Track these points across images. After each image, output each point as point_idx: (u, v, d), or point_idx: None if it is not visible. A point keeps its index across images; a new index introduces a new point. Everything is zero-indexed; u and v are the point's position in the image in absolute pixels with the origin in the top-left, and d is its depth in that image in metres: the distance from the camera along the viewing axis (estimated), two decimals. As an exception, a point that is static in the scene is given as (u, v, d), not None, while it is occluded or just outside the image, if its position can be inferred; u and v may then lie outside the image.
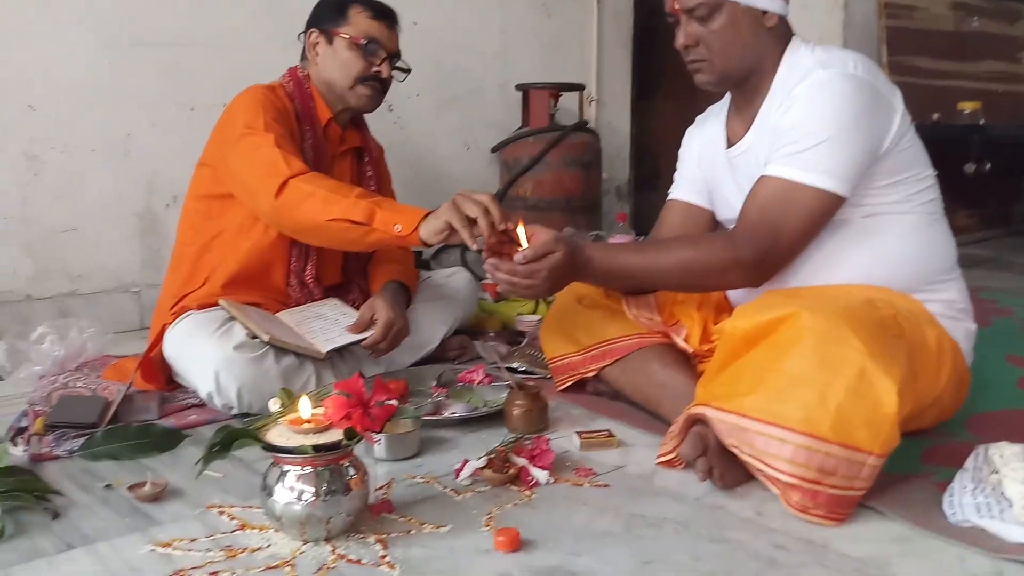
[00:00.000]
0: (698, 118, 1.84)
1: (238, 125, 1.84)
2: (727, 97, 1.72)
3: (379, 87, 1.99)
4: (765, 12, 1.54)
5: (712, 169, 1.73)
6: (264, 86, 1.95)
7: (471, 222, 1.55)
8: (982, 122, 4.02)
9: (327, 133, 2.01)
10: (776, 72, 1.57)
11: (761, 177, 1.50)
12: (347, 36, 1.94)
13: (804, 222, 1.46)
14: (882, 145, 1.47)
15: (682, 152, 1.84)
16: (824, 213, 1.47)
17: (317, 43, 1.98)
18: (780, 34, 1.57)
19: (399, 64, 2.03)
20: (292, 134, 1.90)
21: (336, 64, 1.96)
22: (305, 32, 2.01)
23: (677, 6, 1.54)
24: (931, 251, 1.55)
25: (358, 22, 1.95)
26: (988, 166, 3.79)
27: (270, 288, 1.95)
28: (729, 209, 1.67)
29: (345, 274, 2.10)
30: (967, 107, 4.09)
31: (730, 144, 1.67)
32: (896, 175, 1.51)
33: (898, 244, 1.52)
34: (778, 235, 1.47)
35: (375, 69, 1.96)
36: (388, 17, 2.00)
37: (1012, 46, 4.96)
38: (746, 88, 1.60)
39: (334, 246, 1.87)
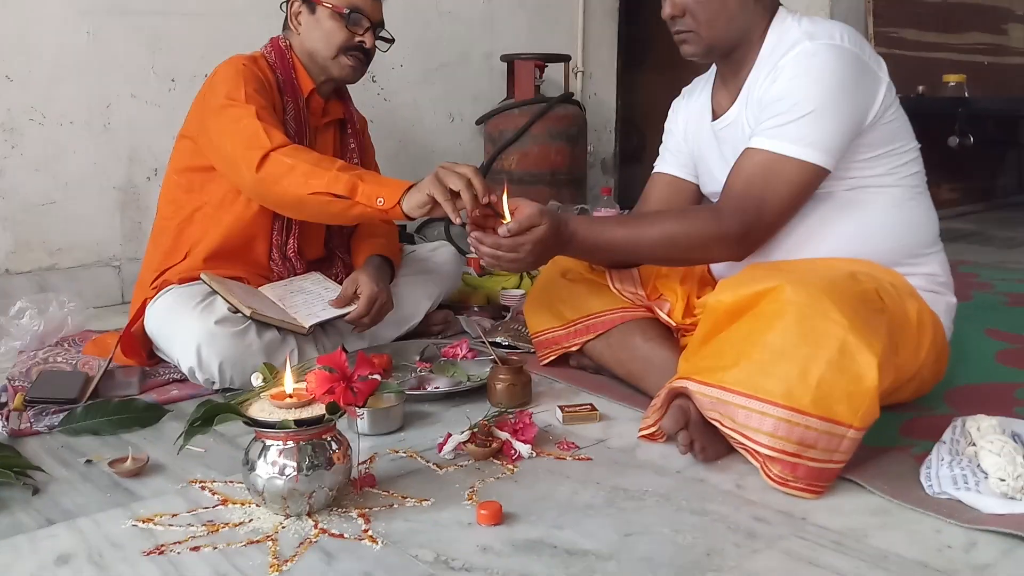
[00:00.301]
0: (684, 90, 1.83)
1: (219, 96, 1.81)
2: (713, 69, 1.71)
3: (362, 57, 1.96)
4: None
5: (698, 141, 1.72)
6: (245, 56, 1.92)
7: (454, 195, 1.54)
8: (967, 95, 4.03)
9: (309, 104, 1.98)
10: (763, 43, 1.56)
11: (746, 149, 1.49)
12: (330, 5, 1.91)
13: (788, 195, 1.46)
14: (867, 117, 1.47)
15: (668, 124, 1.83)
16: (808, 186, 1.47)
17: (299, 12, 1.95)
18: (767, 5, 1.56)
19: (382, 34, 2.01)
20: (274, 105, 1.88)
21: (319, 34, 1.93)
22: (287, 1, 1.98)
23: None
24: (914, 224, 1.55)
25: None
26: (972, 139, 3.80)
27: (252, 262, 1.94)
28: (714, 182, 1.67)
29: (328, 248, 2.09)
30: (952, 80, 4.10)
31: (716, 116, 1.66)
32: (880, 148, 1.50)
33: (881, 217, 1.52)
34: (762, 208, 1.46)
35: (358, 39, 1.93)
36: None
37: (998, 17, 4.96)
38: (732, 60, 1.59)
39: (317, 220, 1.86)
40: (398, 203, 1.61)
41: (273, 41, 1.99)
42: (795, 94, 1.44)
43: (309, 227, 1.98)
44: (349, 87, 2.11)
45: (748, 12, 1.54)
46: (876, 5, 4.09)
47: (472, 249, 1.54)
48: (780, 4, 1.59)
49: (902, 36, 4.21)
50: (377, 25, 1.98)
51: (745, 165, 1.48)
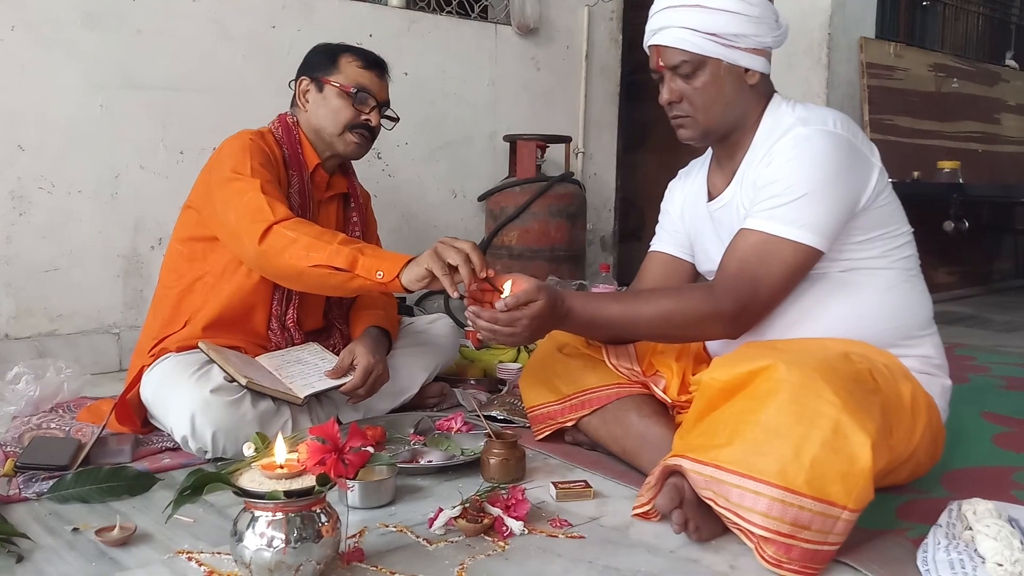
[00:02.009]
0: (681, 172, 1.87)
1: (225, 169, 1.85)
2: (709, 151, 1.75)
3: (367, 135, 2.01)
4: (747, 70, 1.57)
5: (694, 222, 1.75)
6: (252, 131, 1.97)
7: (452, 270, 1.57)
8: (961, 181, 4.09)
9: (314, 178, 2.02)
10: (757, 128, 1.60)
11: (740, 230, 1.52)
12: (337, 84, 1.97)
13: (782, 275, 1.48)
14: (860, 201, 1.50)
15: (665, 205, 1.86)
16: (802, 267, 1.49)
17: (308, 90, 2.01)
18: (762, 91, 1.61)
19: (388, 113, 2.06)
20: (279, 179, 1.91)
21: (326, 111, 1.99)
22: (296, 79, 2.04)
23: (662, 63, 1.58)
24: (907, 306, 1.57)
25: (348, 71, 1.98)
26: (967, 224, 3.85)
27: (251, 332, 1.95)
28: (710, 261, 1.69)
29: (327, 318, 2.10)
30: (946, 166, 4.17)
31: (711, 197, 1.69)
32: (873, 231, 1.53)
33: (875, 299, 1.53)
34: (756, 287, 1.48)
35: (364, 117, 1.99)
36: (378, 67, 2.03)
37: (990, 107, 5.08)
38: (728, 143, 1.63)
39: (317, 291, 1.87)
40: (397, 276, 1.63)
41: (281, 117, 2.04)
42: (789, 177, 1.47)
43: (309, 298, 1.99)
44: (354, 163, 2.15)
45: (743, 98, 1.59)
46: (871, 94, 4.19)
47: (469, 322, 1.56)
48: (774, 91, 1.64)
49: (896, 123, 4.30)
50: (383, 104, 2.03)
51: (740, 245, 1.51)
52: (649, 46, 1.61)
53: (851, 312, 1.53)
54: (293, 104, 2.06)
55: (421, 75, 3.34)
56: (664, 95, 1.60)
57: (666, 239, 1.84)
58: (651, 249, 1.87)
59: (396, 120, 2.09)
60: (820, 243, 1.47)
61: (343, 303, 2.12)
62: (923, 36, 4.93)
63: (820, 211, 1.46)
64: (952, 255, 4.58)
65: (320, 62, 2.01)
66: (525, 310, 1.49)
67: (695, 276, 1.82)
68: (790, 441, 1.25)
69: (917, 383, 1.49)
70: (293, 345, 1.98)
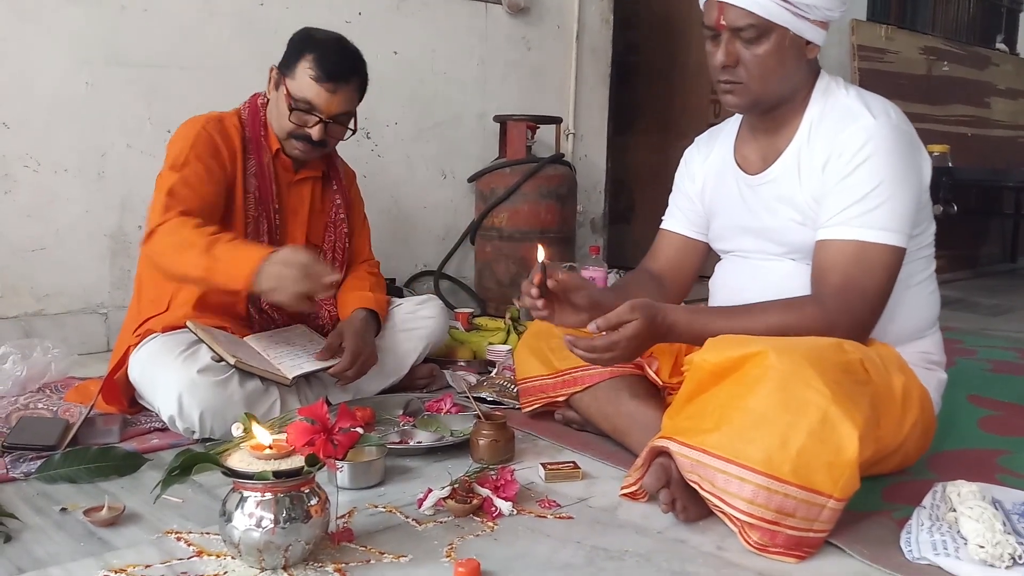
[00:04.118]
0: (698, 140, 1.80)
1: (168, 157, 1.88)
2: (734, 121, 1.71)
3: (311, 145, 1.93)
4: (808, 43, 1.51)
5: (719, 193, 1.70)
6: (214, 115, 1.95)
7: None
8: (950, 164, 4.11)
9: (277, 161, 1.99)
10: (806, 105, 1.55)
11: (830, 241, 1.47)
12: (287, 91, 1.90)
13: (887, 279, 1.45)
14: (921, 198, 1.50)
15: (679, 179, 1.80)
16: (898, 268, 1.47)
17: (278, 82, 1.94)
18: (814, 67, 1.57)
19: (342, 123, 1.95)
20: (223, 166, 1.88)
21: (276, 113, 1.94)
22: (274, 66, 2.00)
23: (723, 22, 1.48)
24: (917, 307, 1.57)
25: (302, 79, 1.87)
26: (955, 208, 3.87)
27: (234, 314, 1.94)
28: (731, 238, 1.67)
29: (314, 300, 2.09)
30: (936, 150, 4.18)
31: (744, 170, 1.64)
32: (914, 229, 1.51)
33: (893, 298, 1.51)
34: (866, 298, 1.44)
35: (306, 129, 1.91)
36: (333, 80, 1.87)
37: (981, 91, 5.09)
38: (771, 117, 1.58)
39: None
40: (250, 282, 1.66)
41: (252, 97, 2.01)
42: (870, 179, 1.44)
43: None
44: (339, 143, 2.12)
45: (800, 73, 1.53)
46: (862, 76, 4.19)
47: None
48: (820, 67, 1.59)
49: (887, 106, 4.30)
50: (339, 115, 1.92)
51: (837, 258, 1.46)
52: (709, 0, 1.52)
53: None
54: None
55: (410, 54, 3.32)
56: (720, 57, 1.50)
57: (679, 217, 1.80)
58: (664, 227, 1.83)
59: (353, 131, 1.99)
60: (906, 242, 1.46)
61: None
62: (914, 19, 4.93)
63: (902, 211, 1.45)
64: (941, 239, 4.56)
65: (289, 56, 1.93)
66: (621, 332, 1.42)
67: (707, 256, 1.80)
68: (777, 429, 1.24)
69: (912, 374, 1.49)
70: (277, 326, 1.97)
